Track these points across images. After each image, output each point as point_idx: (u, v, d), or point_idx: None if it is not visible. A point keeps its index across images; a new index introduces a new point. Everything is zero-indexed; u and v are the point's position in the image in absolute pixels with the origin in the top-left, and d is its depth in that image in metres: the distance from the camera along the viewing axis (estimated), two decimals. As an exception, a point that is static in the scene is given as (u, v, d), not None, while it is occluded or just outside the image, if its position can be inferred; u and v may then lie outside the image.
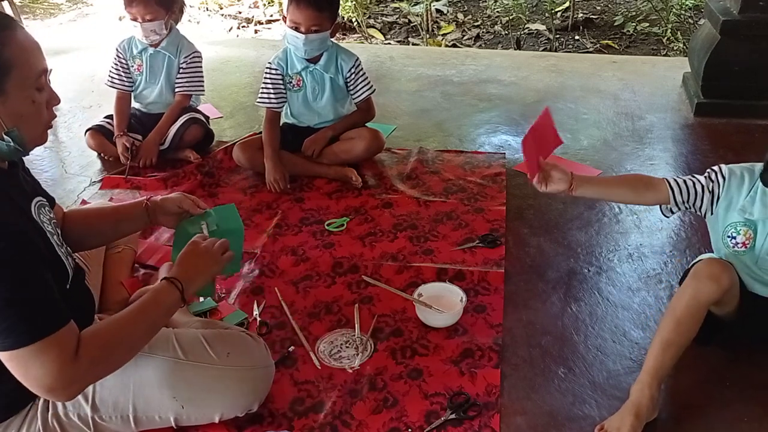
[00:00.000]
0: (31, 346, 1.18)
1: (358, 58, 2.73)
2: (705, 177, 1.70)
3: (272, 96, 2.70)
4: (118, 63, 2.92)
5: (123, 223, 1.73)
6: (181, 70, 2.90)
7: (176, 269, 1.45)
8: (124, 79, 2.93)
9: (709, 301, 1.58)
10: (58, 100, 1.35)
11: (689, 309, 1.58)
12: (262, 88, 2.72)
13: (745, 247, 1.65)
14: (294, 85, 2.71)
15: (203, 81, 2.96)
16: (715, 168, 1.70)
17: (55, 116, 1.37)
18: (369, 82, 2.76)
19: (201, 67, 2.94)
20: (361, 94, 2.75)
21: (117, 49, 2.92)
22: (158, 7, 2.73)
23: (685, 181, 1.71)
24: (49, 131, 1.38)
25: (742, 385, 1.72)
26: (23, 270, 1.20)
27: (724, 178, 1.67)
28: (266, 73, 2.71)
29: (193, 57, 2.91)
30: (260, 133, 2.74)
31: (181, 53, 2.89)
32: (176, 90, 2.92)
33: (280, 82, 2.70)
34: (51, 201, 1.52)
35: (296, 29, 2.53)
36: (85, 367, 1.24)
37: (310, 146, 2.72)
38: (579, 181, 1.72)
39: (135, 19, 2.75)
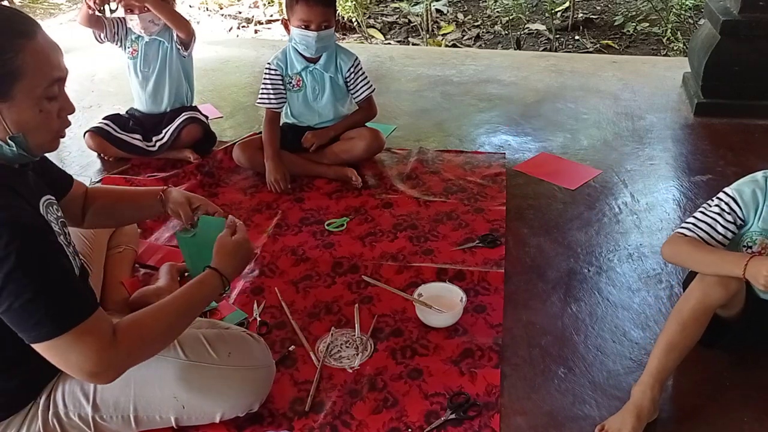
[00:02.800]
0: (66, 335, 1.20)
1: (357, 57, 2.74)
2: (717, 214, 1.62)
3: (272, 96, 2.70)
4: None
5: (139, 209, 1.82)
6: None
7: (216, 260, 1.51)
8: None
9: (716, 305, 1.57)
10: (71, 109, 1.35)
11: (695, 313, 1.56)
12: (262, 88, 2.72)
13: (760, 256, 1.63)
14: (294, 85, 2.71)
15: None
16: (723, 199, 1.62)
17: (69, 124, 1.36)
18: (369, 81, 2.76)
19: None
20: (362, 93, 2.75)
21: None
22: None
23: (702, 228, 1.62)
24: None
25: (743, 386, 1.72)
26: (46, 262, 1.22)
27: (738, 205, 1.60)
28: (266, 73, 2.70)
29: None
30: (260, 133, 2.74)
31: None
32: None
33: (280, 82, 2.70)
34: (65, 188, 1.59)
35: (306, 28, 2.53)
36: (125, 351, 1.28)
37: (310, 138, 2.72)
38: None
39: (132, 12, 2.72)
